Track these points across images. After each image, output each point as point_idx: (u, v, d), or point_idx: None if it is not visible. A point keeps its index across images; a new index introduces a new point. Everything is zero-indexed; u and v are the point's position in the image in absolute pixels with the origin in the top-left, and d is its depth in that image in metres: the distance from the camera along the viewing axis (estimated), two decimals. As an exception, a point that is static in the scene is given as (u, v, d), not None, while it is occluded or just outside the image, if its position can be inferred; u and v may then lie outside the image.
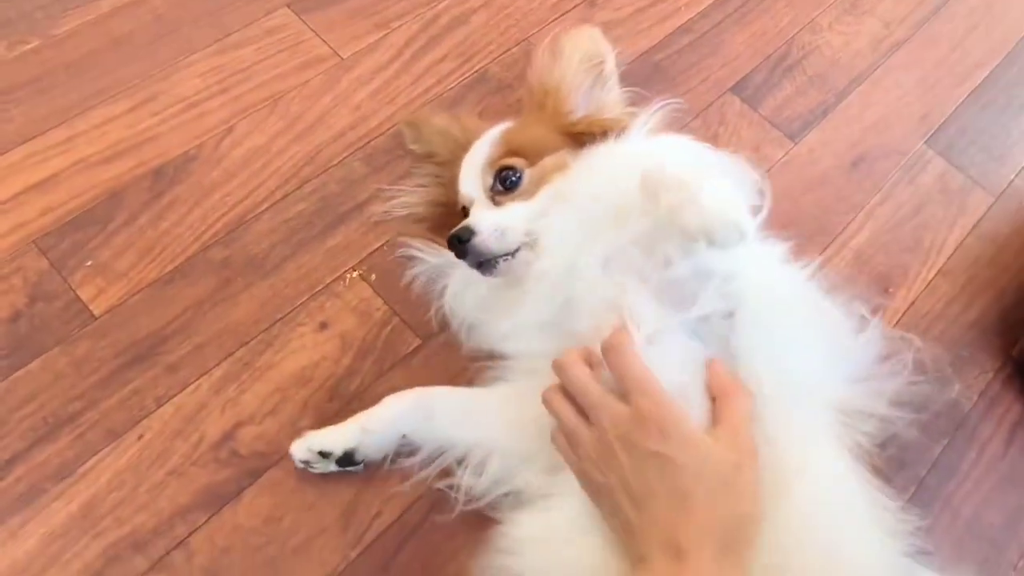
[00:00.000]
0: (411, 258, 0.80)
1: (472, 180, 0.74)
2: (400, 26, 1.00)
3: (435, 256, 0.78)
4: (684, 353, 0.62)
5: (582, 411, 0.59)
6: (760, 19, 1.09)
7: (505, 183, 0.72)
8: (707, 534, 0.52)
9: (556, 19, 1.05)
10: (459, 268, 0.74)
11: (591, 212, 0.67)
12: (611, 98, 0.79)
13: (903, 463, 0.78)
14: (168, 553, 0.67)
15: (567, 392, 0.60)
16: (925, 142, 1.02)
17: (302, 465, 0.70)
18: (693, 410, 0.58)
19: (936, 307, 0.89)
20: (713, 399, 0.59)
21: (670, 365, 0.60)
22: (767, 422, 0.61)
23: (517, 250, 0.69)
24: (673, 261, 0.62)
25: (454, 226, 0.70)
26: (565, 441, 0.61)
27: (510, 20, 1.03)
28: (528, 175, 0.73)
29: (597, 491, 0.59)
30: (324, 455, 0.69)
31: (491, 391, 0.72)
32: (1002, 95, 1.07)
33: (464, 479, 0.68)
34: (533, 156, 0.73)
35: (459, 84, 0.97)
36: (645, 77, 1.01)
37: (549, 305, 0.67)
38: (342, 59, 0.97)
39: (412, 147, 0.88)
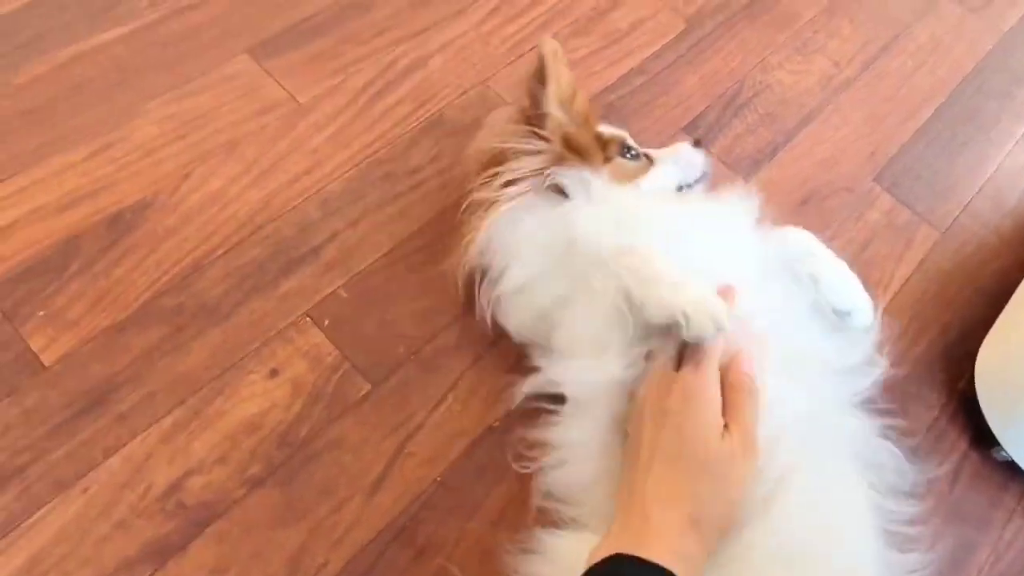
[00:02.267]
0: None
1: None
2: (358, 71, 1.02)
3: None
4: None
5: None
6: (712, 60, 1.12)
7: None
8: (681, 502, 0.55)
9: (512, 62, 1.07)
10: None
11: None
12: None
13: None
14: (113, 607, 0.67)
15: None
16: (873, 179, 1.04)
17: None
18: None
19: (884, 344, 0.91)
20: (724, 388, 0.61)
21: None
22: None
23: None
24: None
25: None
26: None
27: (467, 64, 1.05)
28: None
29: (626, 444, 0.62)
30: None
31: None
32: (947, 131, 1.10)
33: None
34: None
35: (415, 128, 0.99)
36: (599, 117, 1.03)
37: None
38: (299, 104, 0.99)
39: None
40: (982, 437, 0.83)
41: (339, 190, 0.93)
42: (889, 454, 0.70)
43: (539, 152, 0.75)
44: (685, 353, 0.62)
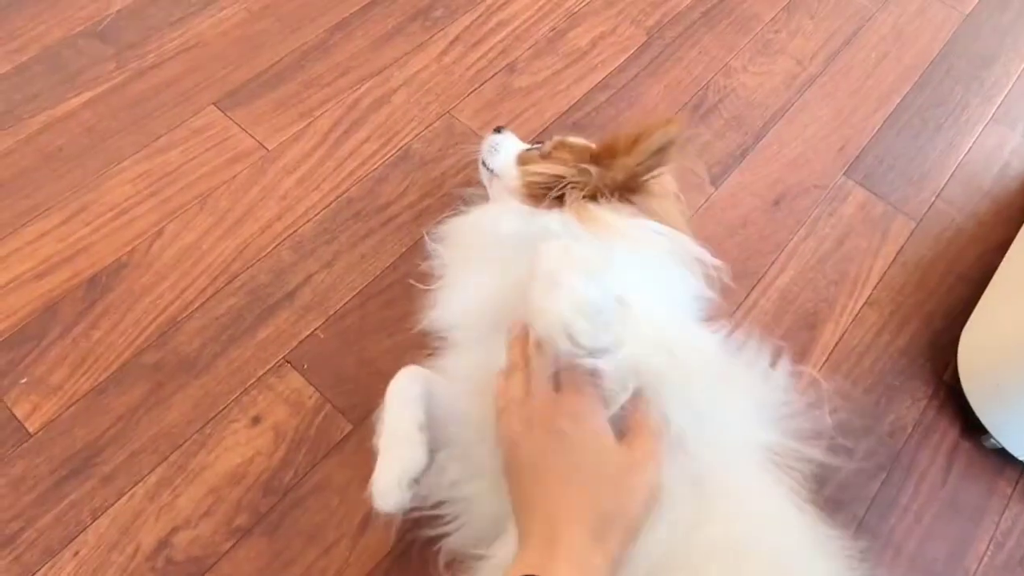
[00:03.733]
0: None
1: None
2: (323, 113, 1.04)
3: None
4: None
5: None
6: (674, 69, 1.12)
7: (532, 146, 0.87)
8: (582, 517, 0.55)
9: (475, 89, 1.08)
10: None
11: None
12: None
13: (841, 503, 0.79)
14: (107, 670, 0.67)
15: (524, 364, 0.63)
16: (844, 173, 1.04)
17: (396, 511, 0.64)
18: None
19: (865, 338, 0.90)
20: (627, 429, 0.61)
21: None
22: (693, 465, 0.62)
23: (488, 170, 0.87)
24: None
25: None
26: (502, 408, 0.63)
27: (430, 96, 1.06)
28: (536, 153, 0.84)
29: (511, 465, 0.60)
30: (417, 480, 0.65)
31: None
32: (916, 119, 1.10)
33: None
34: (556, 157, 0.82)
35: (383, 164, 1.00)
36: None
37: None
38: (268, 150, 1.00)
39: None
40: (971, 426, 0.83)
41: (311, 232, 0.94)
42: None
43: None
44: (567, 378, 0.60)
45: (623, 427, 0.61)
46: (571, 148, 0.83)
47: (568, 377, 0.61)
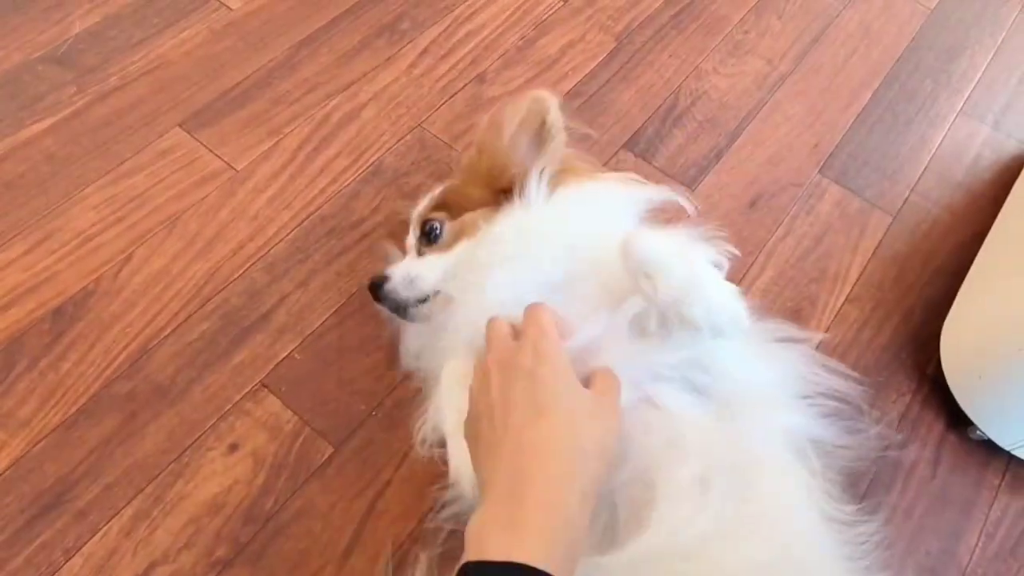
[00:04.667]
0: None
1: (411, 232, 0.81)
2: (292, 130, 1.02)
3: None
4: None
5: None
6: (645, 74, 1.12)
7: (428, 236, 0.78)
8: (550, 450, 0.52)
9: (446, 101, 1.07)
10: None
11: (526, 268, 0.69)
12: (552, 154, 0.78)
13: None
14: None
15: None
16: (819, 171, 1.04)
17: None
18: None
19: (848, 335, 0.90)
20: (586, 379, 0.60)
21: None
22: (743, 440, 0.62)
23: (428, 298, 0.74)
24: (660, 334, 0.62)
25: None
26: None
27: (400, 109, 1.05)
28: (448, 228, 0.77)
29: (472, 420, 0.58)
30: None
31: None
32: (887, 114, 1.10)
33: None
34: (456, 211, 0.78)
35: (355, 179, 0.98)
36: (540, 145, 1.03)
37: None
38: (236, 171, 0.98)
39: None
40: (957, 419, 0.82)
41: (284, 252, 0.92)
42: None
43: None
44: (526, 324, 0.59)
45: (582, 377, 0.58)
46: (456, 188, 0.81)
47: (530, 322, 0.58)
